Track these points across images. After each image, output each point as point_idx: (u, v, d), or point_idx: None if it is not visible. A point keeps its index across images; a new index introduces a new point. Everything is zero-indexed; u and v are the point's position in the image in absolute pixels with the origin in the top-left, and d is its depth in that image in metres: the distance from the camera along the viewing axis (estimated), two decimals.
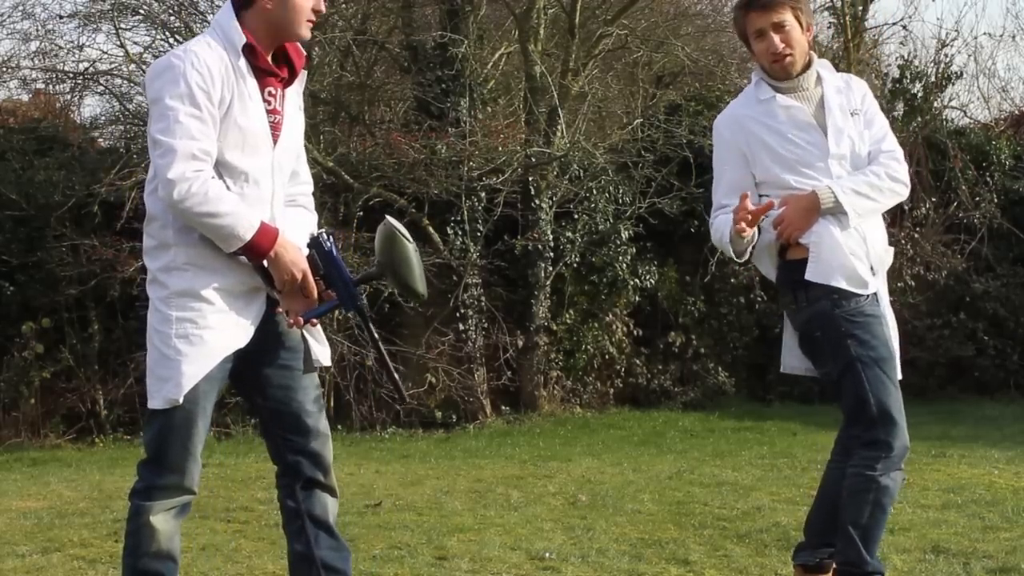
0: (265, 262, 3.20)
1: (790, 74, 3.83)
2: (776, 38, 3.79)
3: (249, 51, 3.23)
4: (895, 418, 3.78)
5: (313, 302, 3.32)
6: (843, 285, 3.76)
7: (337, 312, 3.66)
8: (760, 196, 3.87)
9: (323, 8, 3.35)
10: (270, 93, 3.28)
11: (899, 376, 3.90)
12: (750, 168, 3.88)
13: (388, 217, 3.41)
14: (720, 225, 3.90)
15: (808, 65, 3.87)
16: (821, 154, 3.81)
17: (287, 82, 3.33)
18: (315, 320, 3.38)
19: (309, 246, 3.31)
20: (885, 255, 3.93)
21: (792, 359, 4.01)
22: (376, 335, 3.58)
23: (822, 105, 3.84)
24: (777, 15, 3.78)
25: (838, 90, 3.89)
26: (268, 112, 3.27)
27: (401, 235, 3.34)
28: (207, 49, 3.19)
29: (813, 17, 3.88)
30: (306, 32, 3.31)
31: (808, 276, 3.78)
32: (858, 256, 3.79)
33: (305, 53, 3.45)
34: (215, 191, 3.10)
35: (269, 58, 3.30)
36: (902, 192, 3.91)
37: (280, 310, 3.28)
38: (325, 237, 3.32)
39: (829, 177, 3.79)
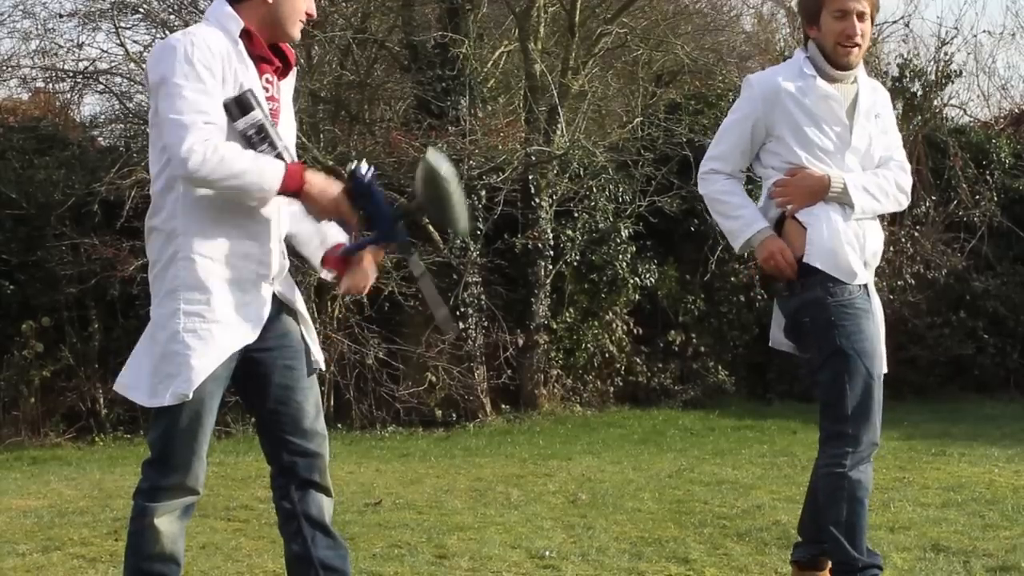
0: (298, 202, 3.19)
1: (848, 64, 3.90)
2: (857, 25, 3.86)
3: (246, 37, 3.22)
4: (869, 413, 3.82)
5: (351, 232, 3.29)
6: (834, 273, 3.82)
7: (363, 294, 3.53)
8: (766, 168, 3.97)
9: (314, 13, 3.35)
10: (267, 80, 3.28)
11: (884, 370, 3.92)
12: (761, 139, 3.95)
13: (429, 152, 3.29)
14: (739, 226, 3.96)
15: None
16: (842, 145, 3.90)
17: (282, 73, 3.33)
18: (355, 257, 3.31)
19: (347, 179, 3.23)
20: (879, 252, 4.00)
21: (780, 334, 4.06)
22: (420, 265, 3.48)
23: (854, 102, 3.92)
24: (865, 5, 3.86)
25: (870, 90, 4.00)
26: (267, 99, 3.26)
27: (441, 175, 3.22)
28: (207, 30, 3.19)
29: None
30: (297, 33, 3.31)
31: (805, 258, 3.83)
32: (853, 247, 3.86)
33: (294, 51, 3.45)
34: (228, 152, 3.06)
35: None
36: (903, 203, 4.06)
37: (340, 277, 3.28)
38: (363, 170, 3.23)
39: (842, 168, 3.88)
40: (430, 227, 10.17)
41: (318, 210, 3.21)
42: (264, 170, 3.10)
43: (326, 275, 3.39)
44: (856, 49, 3.89)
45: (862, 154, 3.93)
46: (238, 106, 3.13)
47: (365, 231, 3.30)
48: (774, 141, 3.93)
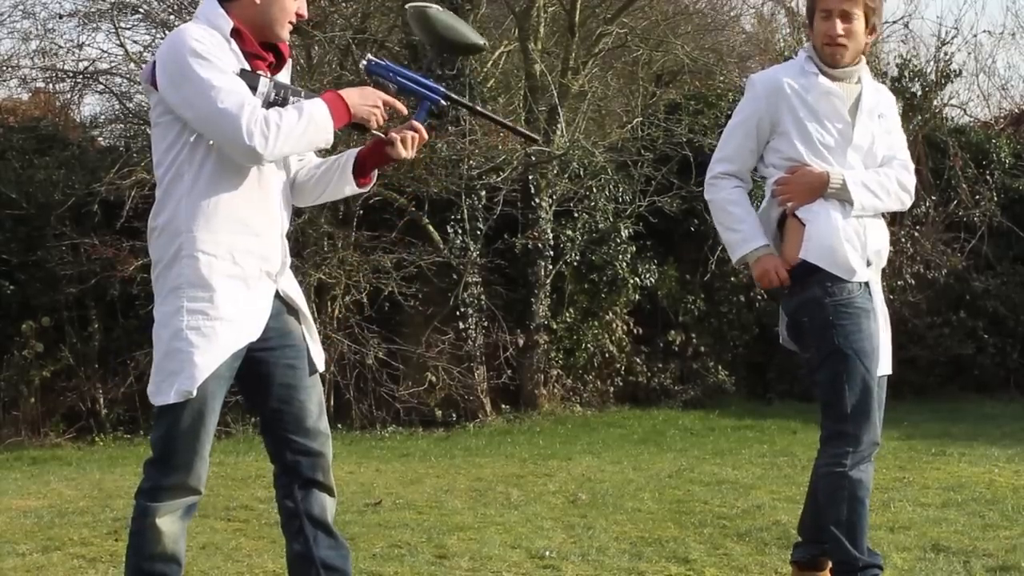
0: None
1: (836, 63, 3.93)
2: (839, 24, 3.89)
3: (236, 35, 3.22)
4: (868, 412, 3.84)
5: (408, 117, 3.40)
6: (832, 269, 3.83)
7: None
8: (767, 167, 4.00)
9: (306, 14, 3.35)
10: None
11: (888, 371, 3.93)
12: (766, 136, 3.97)
13: (408, 6, 3.43)
14: (737, 240, 3.99)
15: (855, 62, 3.97)
16: (844, 142, 3.92)
17: (275, 68, 3.34)
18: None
19: (368, 75, 3.37)
20: (883, 250, 4.00)
21: (787, 333, 4.08)
22: (470, 104, 3.66)
23: (856, 101, 3.94)
24: (849, 4, 3.88)
25: (874, 91, 4.03)
26: None
27: (430, 13, 3.36)
28: (197, 26, 3.20)
29: (882, 24, 4.04)
30: (285, 34, 3.32)
31: (801, 255, 3.85)
32: (853, 244, 3.87)
33: (291, 48, 3.46)
34: (278, 119, 3.10)
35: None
36: (906, 201, 4.05)
37: (392, 137, 3.33)
38: (375, 61, 3.37)
39: (844, 165, 3.90)
40: (429, 227, 10.19)
41: (366, 114, 3.27)
42: (314, 116, 3.16)
43: (365, 187, 3.46)
44: (842, 49, 3.90)
45: (864, 152, 3.94)
46: (246, 85, 3.15)
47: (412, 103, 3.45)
48: (777, 138, 3.96)
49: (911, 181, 4.03)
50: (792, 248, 3.90)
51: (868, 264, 3.91)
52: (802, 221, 3.88)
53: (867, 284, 3.91)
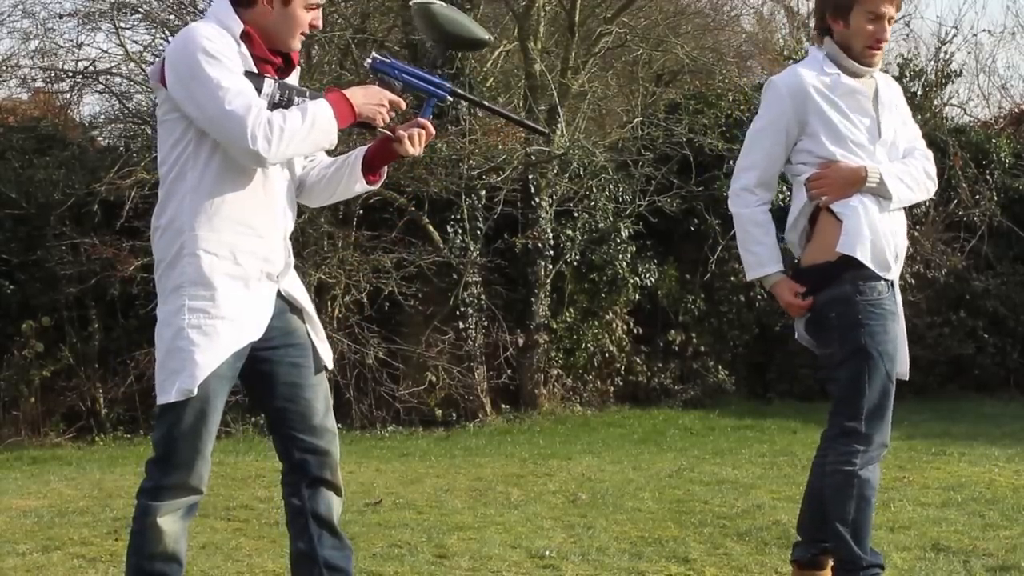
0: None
1: (873, 64, 3.92)
2: (888, 30, 3.91)
3: (246, 38, 3.22)
4: (882, 413, 3.86)
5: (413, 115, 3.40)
6: (870, 263, 3.82)
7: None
8: (797, 164, 3.95)
9: (320, 24, 3.35)
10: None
11: (906, 376, 3.94)
12: (795, 138, 3.92)
13: (412, 2, 3.42)
14: (752, 262, 4.00)
15: None
16: (872, 138, 3.92)
17: (283, 72, 3.33)
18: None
19: (372, 73, 3.36)
20: (903, 249, 4.02)
21: (803, 329, 4.07)
22: (477, 98, 3.65)
23: (875, 96, 3.94)
24: (894, 10, 3.89)
25: (886, 83, 4.04)
26: None
27: (434, 9, 3.37)
28: (208, 24, 3.20)
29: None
30: (297, 44, 3.31)
31: (838, 248, 3.83)
32: (887, 240, 3.87)
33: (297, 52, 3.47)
34: (282, 121, 3.10)
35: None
36: (931, 190, 4.07)
37: (400, 134, 3.34)
38: (379, 58, 3.37)
39: (872, 159, 3.89)
40: (429, 227, 10.19)
41: (372, 113, 3.27)
42: (317, 117, 3.16)
43: (375, 184, 3.47)
44: (881, 52, 3.92)
45: (889, 146, 3.95)
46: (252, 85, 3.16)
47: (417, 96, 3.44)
48: (806, 138, 3.91)
49: (933, 169, 4.05)
50: (827, 243, 3.87)
51: (895, 260, 3.92)
52: (838, 216, 3.86)
53: (892, 284, 3.91)
